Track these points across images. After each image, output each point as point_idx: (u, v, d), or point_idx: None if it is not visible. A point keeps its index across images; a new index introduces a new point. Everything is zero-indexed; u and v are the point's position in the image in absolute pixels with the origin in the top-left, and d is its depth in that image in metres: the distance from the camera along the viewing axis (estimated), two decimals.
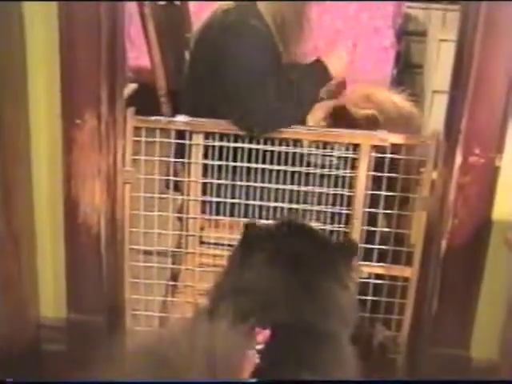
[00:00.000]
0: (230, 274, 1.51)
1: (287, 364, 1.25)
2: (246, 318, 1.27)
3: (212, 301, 1.46)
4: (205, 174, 2.20)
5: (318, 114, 2.43)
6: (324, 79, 2.24)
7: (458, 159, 2.00)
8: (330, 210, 2.20)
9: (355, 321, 1.51)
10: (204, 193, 2.22)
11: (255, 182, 2.20)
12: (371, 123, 2.36)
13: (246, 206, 2.22)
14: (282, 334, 1.27)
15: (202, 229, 2.30)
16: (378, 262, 2.21)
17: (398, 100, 2.53)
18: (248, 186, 2.20)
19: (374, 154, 2.12)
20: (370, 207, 2.17)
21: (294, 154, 2.17)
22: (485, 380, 1.75)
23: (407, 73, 4.48)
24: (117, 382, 1.08)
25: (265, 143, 2.15)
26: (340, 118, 2.44)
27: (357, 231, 2.17)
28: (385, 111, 2.45)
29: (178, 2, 2.64)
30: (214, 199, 2.22)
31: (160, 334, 1.37)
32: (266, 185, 2.20)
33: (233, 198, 2.22)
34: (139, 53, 3.03)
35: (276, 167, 2.18)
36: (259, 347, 1.21)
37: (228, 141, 2.15)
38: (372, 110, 2.43)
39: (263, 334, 1.25)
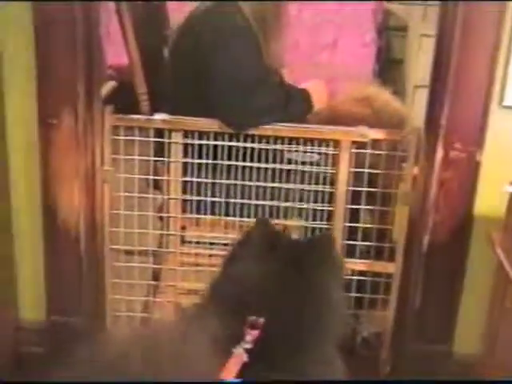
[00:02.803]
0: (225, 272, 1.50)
1: (273, 364, 1.26)
2: (238, 312, 1.29)
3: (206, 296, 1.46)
4: (185, 173, 2.18)
5: None
6: (308, 106, 2.26)
7: (439, 154, 2.00)
8: (311, 207, 2.19)
9: (344, 325, 1.50)
10: (184, 191, 2.20)
11: (236, 179, 2.18)
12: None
13: (227, 204, 2.21)
14: (270, 334, 1.28)
15: (183, 228, 2.28)
16: (361, 258, 2.20)
17: (394, 102, 2.49)
18: (228, 184, 2.19)
19: (354, 150, 2.10)
20: (351, 203, 2.15)
21: (275, 151, 2.15)
22: (486, 380, 1.75)
23: (389, 68, 4.47)
24: (114, 382, 1.07)
25: (245, 141, 2.13)
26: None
27: (339, 228, 2.16)
28: (381, 112, 2.41)
29: None
30: (195, 198, 2.20)
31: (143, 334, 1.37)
32: (246, 182, 2.18)
33: (213, 196, 2.20)
34: (119, 50, 2.99)
35: (256, 165, 2.16)
36: (247, 346, 1.23)
37: (208, 139, 2.13)
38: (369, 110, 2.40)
39: (252, 335, 1.25)
